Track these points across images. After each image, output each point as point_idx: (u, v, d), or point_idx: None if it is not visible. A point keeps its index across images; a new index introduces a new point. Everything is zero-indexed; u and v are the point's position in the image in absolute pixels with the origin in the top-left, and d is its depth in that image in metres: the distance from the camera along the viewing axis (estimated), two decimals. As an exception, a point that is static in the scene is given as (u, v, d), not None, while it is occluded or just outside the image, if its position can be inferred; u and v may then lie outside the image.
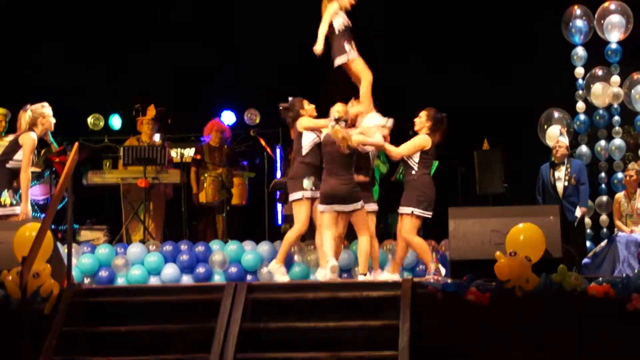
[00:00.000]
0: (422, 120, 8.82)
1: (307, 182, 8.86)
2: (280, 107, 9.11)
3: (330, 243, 8.70)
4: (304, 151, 9.01)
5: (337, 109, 8.86)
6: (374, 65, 9.32)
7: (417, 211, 8.63)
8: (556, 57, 12.82)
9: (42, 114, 8.61)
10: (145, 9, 13.66)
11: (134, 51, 13.56)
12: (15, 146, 8.51)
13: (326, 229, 8.76)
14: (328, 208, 8.72)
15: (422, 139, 8.77)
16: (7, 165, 8.49)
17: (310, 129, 8.99)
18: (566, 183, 10.68)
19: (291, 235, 9.03)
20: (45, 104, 8.67)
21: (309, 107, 9.11)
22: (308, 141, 9.00)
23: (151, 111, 11.84)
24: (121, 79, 13.39)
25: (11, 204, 8.42)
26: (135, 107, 11.96)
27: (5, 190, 8.42)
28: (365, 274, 8.63)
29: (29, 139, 8.44)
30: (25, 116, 8.58)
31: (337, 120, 8.70)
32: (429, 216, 8.70)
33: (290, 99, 9.02)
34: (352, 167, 8.81)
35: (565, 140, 11.07)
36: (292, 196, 8.99)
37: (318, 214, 8.85)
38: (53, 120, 8.73)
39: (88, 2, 13.65)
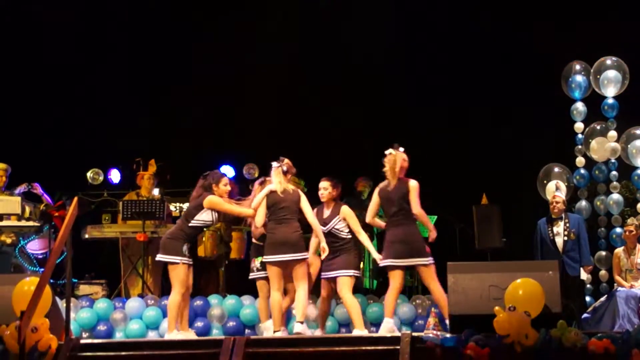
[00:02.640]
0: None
1: (185, 248, 8.77)
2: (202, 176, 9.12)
3: (280, 304, 8.72)
4: (193, 223, 8.86)
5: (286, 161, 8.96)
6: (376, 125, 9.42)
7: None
8: (556, 112, 12.90)
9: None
10: (146, 66, 13.83)
11: (132, 107, 13.68)
12: None
13: (275, 286, 8.75)
14: (276, 258, 8.72)
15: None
16: None
17: (213, 209, 8.84)
18: (566, 238, 10.67)
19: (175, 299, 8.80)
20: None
21: (223, 187, 9.01)
22: (202, 218, 8.84)
23: (152, 166, 11.88)
24: (120, 134, 13.51)
25: None
26: (136, 161, 11.97)
27: None
28: (302, 323, 8.59)
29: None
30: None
31: (280, 162, 8.86)
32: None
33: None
34: (297, 215, 8.84)
35: (561, 195, 11.12)
36: (170, 258, 8.77)
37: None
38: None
39: (88, 56, 13.83)
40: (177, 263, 8.71)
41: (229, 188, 9.05)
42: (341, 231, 9.08)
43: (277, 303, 8.71)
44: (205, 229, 9.48)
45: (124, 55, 13.92)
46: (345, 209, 9.20)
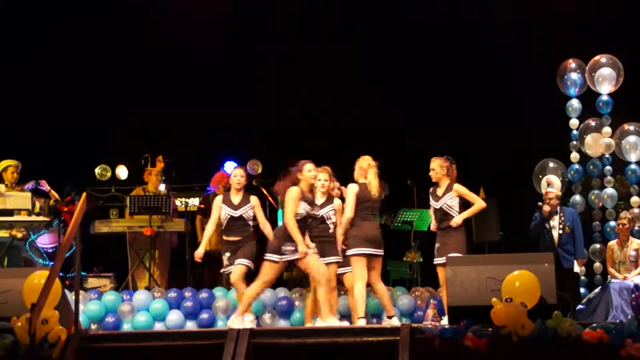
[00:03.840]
0: (437, 171, 9.23)
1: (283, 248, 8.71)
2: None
3: (364, 291, 8.81)
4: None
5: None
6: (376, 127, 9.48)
7: None
8: (551, 108, 12.96)
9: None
10: (152, 62, 13.92)
11: (140, 104, 13.77)
12: None
13: (361, 276, 8.85)
14: (365, 251, 8.86)
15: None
16: None
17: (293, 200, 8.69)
18: (561, 231, 10.73)
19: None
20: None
21: (307, 174, 8.85)
22: (298, 210, 8.72)
23: (160, 163, 11.96)
24: (126, 131, 13.60)
25: None
26: (144, 156, 12.05)
27: None
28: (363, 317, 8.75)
29: None
30: None
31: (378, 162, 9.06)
32: None
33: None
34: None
35: (554, 190, 11.14)
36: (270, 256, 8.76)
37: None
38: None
39: (91, 56, 13.93)
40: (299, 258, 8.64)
41: (314, 173, 8.87)
42: (330, 218, 9.31)
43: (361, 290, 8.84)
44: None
45: (128, 55, 14.00)
46: (338, 201, 9.44)
